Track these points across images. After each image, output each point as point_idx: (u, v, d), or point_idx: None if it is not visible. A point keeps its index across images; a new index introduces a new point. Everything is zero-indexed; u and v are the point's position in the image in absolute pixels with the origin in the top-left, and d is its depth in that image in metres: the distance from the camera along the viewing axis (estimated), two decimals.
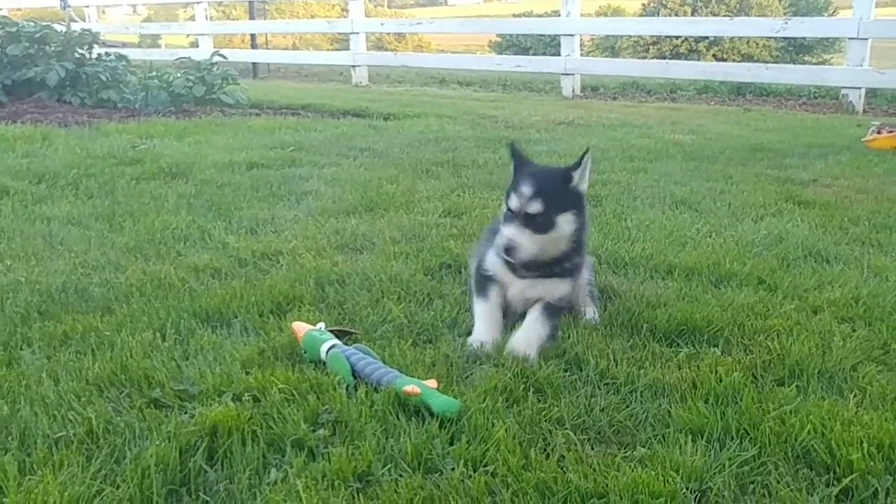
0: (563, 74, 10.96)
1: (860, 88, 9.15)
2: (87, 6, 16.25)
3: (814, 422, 1.78)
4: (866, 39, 8.90)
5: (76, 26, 9.62)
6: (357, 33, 12.52)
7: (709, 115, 9.15)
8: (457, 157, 5.40)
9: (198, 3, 14.57)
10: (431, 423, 1.76)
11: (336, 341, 2.09)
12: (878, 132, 6.72)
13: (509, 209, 2.30)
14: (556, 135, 7.11)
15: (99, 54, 8.64)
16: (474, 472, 1.60)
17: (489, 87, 12.32)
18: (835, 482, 1.61)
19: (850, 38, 9.14)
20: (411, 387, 1.85)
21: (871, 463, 1.63)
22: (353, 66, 12.61)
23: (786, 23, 10.23)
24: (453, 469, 1.61)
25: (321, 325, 2.19)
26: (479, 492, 1.53)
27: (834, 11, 20.12)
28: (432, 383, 1.90)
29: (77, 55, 8.38)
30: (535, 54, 16.42)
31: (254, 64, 14.13)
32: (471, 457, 1.65)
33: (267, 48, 15.77)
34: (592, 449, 1.74)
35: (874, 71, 9.15)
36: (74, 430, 1.75)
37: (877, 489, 1.58)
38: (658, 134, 7.31)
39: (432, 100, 10.01)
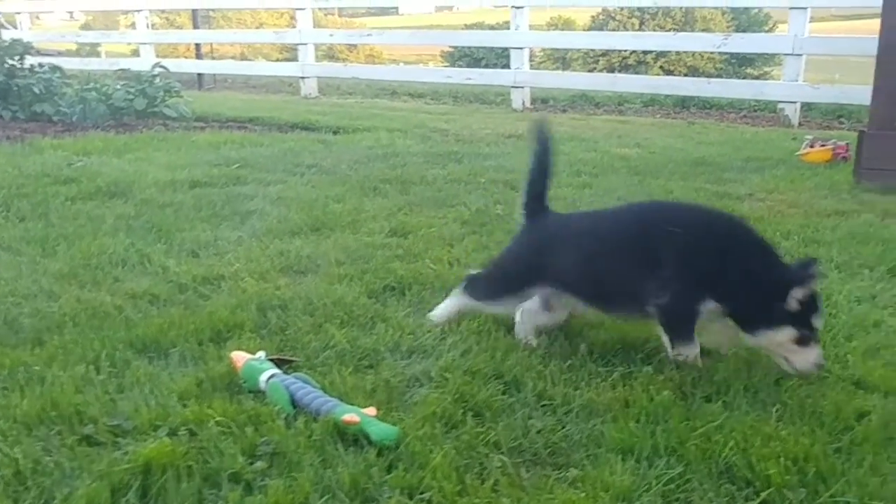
0: (512, 87, 11.05)
1: (796, 103, 9.40)
2: (19, 12, 15.83)
3: (736, 438, 1.86)
4: (801, 55, 9.13)
5: (7, 34, 9.39)
6: (306, 44, 12.48)
7: (654, 128, 9.31)
8: (405, 173, 5.43)
9: (138, 11, 14.38)
10: (370, 451, 1.79)
11: (276, 370, 2.11)
12: (812, 146, 6.91)
13: (814, 329, 2.25)
14: (506, 148, 7.17)
15: (32, 65, 8.35)
16: (410, 500, 1.64)
17: (440, 99, 12.35)
18: (753, 496, 1.68)
19: (785, 54, 9.37)
20: (350, 415, 1.88)
21: (787, 477, 1.71)
22: (302, 78, 12.55)
23: (726, 38, 10.47)
24: (390, 497, 1.64)
25: (261, 353, 2.21)
26: None
27: (773, 26, 20.56)
28: (371, 411, 1.93)
29: (7, 66, 8.07)
30: (487, 65, 16.53)
31: (199, 74, 13.98)
32: (407, 485, 1.68)
33: (213, 58, 15.62)
34: (527, 472, 1.79)
35: (809, 86, 9.41)
36: (1, 473, 1.72)
37: (791, 501, 1.65)
38: (605, 147, 7.42)
39: (383, 112, 10.02)
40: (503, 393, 2.13)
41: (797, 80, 9.29)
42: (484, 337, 2.47)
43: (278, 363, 2.18)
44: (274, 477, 1.72)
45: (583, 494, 1.65)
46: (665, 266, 2.29)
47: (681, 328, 2.31)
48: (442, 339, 2.47)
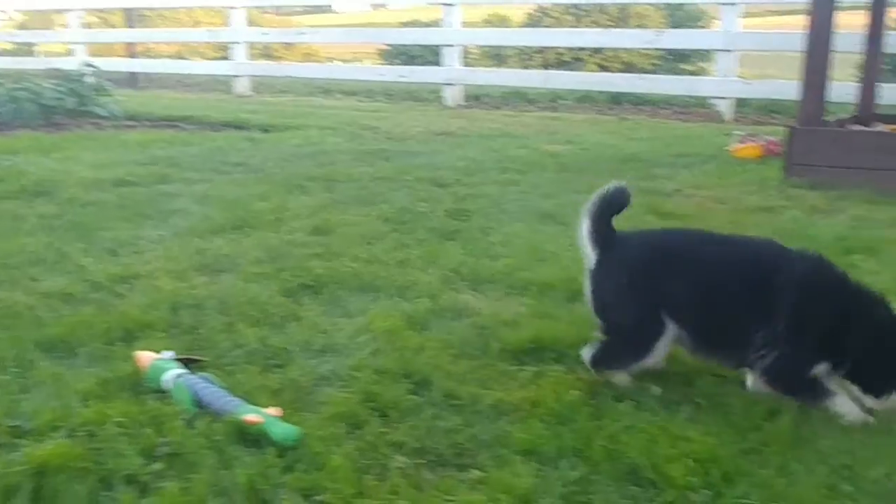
0: (445, 84, 11.07)
1: (728, 98, 9.55)
2: None
3: (643, 438, 1.86)
4: (732, 51, 9.29)
5: None
6: (238, 43, 12.35)
7: (587, 125, 9.39)
8: (332, 171, 5.39)
9: (70, 10, 14.09)
10: (270, 452, 1.77)
11: (181, 370, 2.07)
12: (742, 142, 7.03)
13: None
14: (436, 146, 7.17)
15: None
16: (306, 501, 1.62)
17: (374, 97, 12.31)
18: (657, 498, 1.68)
19: (717, 50, 9.53)
20: (252, 415, 1.85)
21: (691, 478, 1.71)
22: (235, 77, 12.43)
23: (658, 35, 10.63)
24: (285, 499, 1.62)
25: (168, 353, 2.17)
26: None
27: (708, 22, 20.89)
28: (275, 411, 1.90)
29: None
30: (422, 63, 16.51)
31: (132, 73, 13.74)
32: (305, 486, 1.66)
33: (147, 57, 15.38)
34: (430, 473, 1.77)
35: (741, 81, 9.57)
36: None
37: (694, 502, 1.65)
38: (535, 144, 7.46)
39: (315, 110, 9.95)
40: (411, 392, 2.12)
41: (729, 76, 9.45)
42: (395, 336, 2.46)
43: (185, 363, 2.14)
44: (170, 478, 1.69)
45: (482, 497, 1.65)
46: (776, 318, 2.04)
47: (792, 392, 2.06)
48: (354, 338, 2.45)
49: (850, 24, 7.52)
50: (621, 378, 2.18)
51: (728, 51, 9.30)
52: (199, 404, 1.96)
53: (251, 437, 1.83)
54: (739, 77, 9.65)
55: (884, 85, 7.73)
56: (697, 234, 2.48)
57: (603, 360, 2.21)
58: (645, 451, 1.81)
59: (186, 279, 2.99)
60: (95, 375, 2.16)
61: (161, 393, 2.05)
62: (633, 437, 1.87)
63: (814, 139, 5.22)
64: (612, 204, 2.29)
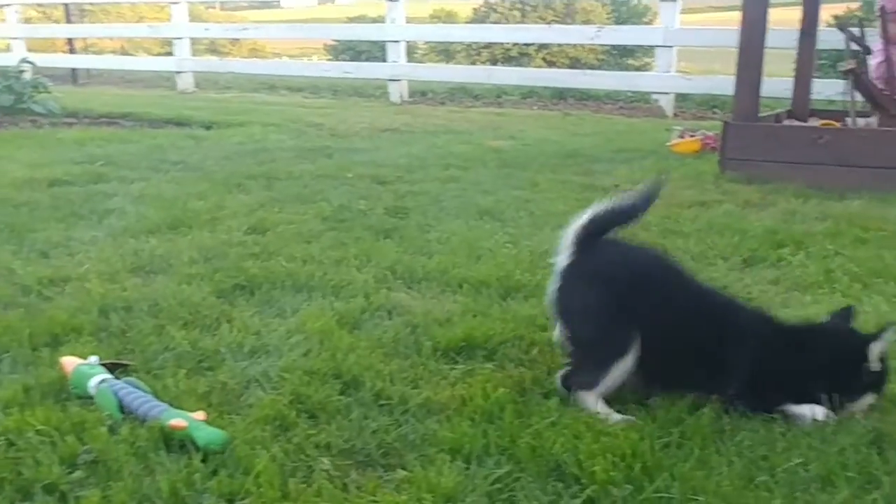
0: (390, 80, 11.04)
1: (669, 94, 9.67)
2: None
3: (567, 435, 1.88)
4: (672, 47, 9.42)
5: None
6: (181, 38, 12.18)
7: (531, 120, 9.44)
8: (272, 169, 5.36)
9: (8, 5, 13.77)
10: (195, 457, 1.76)
11: (106, 375, 2.05)
12: (682, 136, 7.13)
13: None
14: (379, 143, 7.17)
15: None
16: None
17: (319, 93, 12.23)
18: (580, 494, 1.70)
19: (657, 46, 9.65)
20: (177, 420, 1.84)
21: (613, 473, 1.73)
22: (178, 73, 12.26)
23: (599, 30, 10.75)
24: None
25: (93, 358, 2.14)
26: None
27: (652, 18, 21.14)
28: (200, 415, 1.89)
29: None
30: (368, 59, 16.44)
31: (73, 69, 13.48)
32: (228, 490, 1.65)
33: (88, 52, 15.09)
34: (357, 474, 1.78)
35: (681, 77, 9.71)
36: None
37: (615, 498, 1.68)
38: (478, 140, 7.49)
39: (259, 107, 9.86)
40: (341, 393, 2.11)
41: (670, 72, 9.57)
42: (327, 336, 2.45)
43: (110, 368, 2.12)
44: (91, 487, 1.66)
45: (407, 497, 1.66)
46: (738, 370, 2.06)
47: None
48: (286, 339, 2.44)
49: (785, 19, 7.67)
50: (593, 403, 2.05)
51: (668, 46, 9.41)
52: (124, 410, 1.94)
53: (176, 443, 1.82)
54: (679, 72, 9.79)
55: (819, 80, 7.92)
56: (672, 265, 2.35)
57: (572, 378, 2.12)
58: (569, 447, 1.83)
59: (118, 281, 2.95)
60: (18, 382, 2.12)
61: (86, 399, 2.03)
62: (559, 434, 1.88)
63: (748, 134, 5.31)
64: (621, 215, 2.18)
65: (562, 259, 2.17)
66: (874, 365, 2.03)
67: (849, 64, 5.44)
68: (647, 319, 2.06)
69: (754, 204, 4.47)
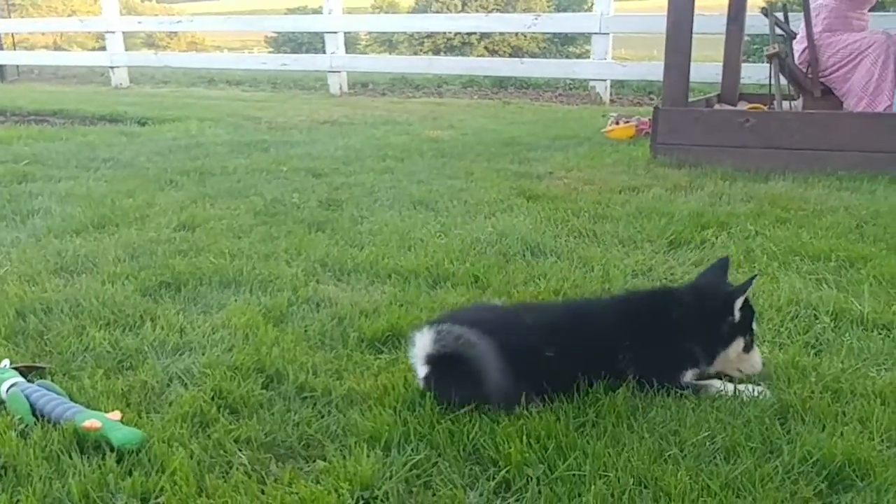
0: (329, 72, 11.00)
1: (606, 80, 9.78)
2: None
3: (486, 419, 1.91)
4: (608, 34, 9.51)
5: None
6: (113, 32, 11.96)
7: (470, 109, 9.48)
8: (206, 164, 5.31)
9: None
10: (110, 458, 1.74)
11: (18, 379, 2.01)
12: (616, 123, 7.22)
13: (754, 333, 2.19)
14: (317, 135, 7.14)
15: None
16: None
17: (259, 87, 12.14)
18: (495, 476, 1.72)
19: (593, 34, 9.74)
20: (90, 421, 1.82)
21: (528, 454, 1.76)
22: (111, 67, 12.05)
23: (535, 19, 10.80)
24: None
25: (5, 361, 2.11)
26: None
27: (591, 6, 21.32)
28: (115, 415, 1.87)
29: None
30: (309, 51, 16.34)
31: (1, 66, 13.15)
32: (143, 489, 1.64)
33: (19, 48, 14.73)
34: (277, 466, 1.78)
35: (617, 64, 9.82)
36: None
37: (529, 478, 1.71)
38: (417, 130, 7.50)
39: (196, 101, 9.75)
40: (264, 387, 2.11)
41: (606, 59, 9.67)
42: (252, 331, 2.44)
43: (24, 371, 2.08)
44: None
45: (322, 487, 1.66)
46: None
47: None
48: (210, 336, 2.43)
49: (712, 5, 7.80)
50: None
51: (604, 34, 9.51)
52: (37, 414, 1.91)
53: (91, 445, 1.80)
54: (615, 59, 9.90)
55: (750, 65, 8.07)
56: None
57: None
58: (487, 431, 1.86)
59: (38, 282, 2.89)
60: None
61: None
62: (477, 419, 1.91)
63: (677, 119, 5.39)
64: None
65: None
66: (736, 317, 2.13)
67: (772, 48, 5.56)
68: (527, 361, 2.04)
69: (683, 187, 4.54)
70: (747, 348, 2.16)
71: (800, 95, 6.24)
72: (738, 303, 2.13)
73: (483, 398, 1.95)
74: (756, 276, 2.21)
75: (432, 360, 2.02)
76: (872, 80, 5.93)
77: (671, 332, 2.14)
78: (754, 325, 2.19)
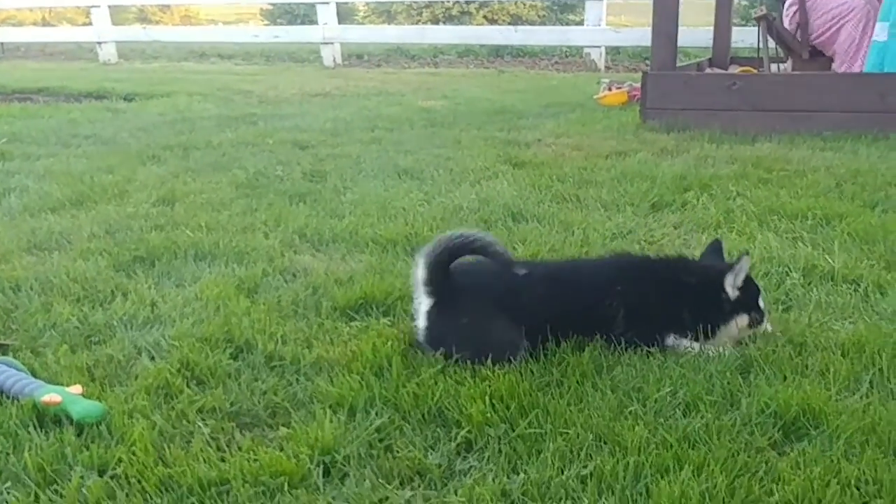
0: (322, 44, 10.92)
1: (600, 47, 9.69)
2: None
3: (451, 382, 1.90)
4: (601, 0, 9.41)
5: None
6: (98, 6, 11.84)
7: (465, 79, 9.41)
8: (191, 139, 5.27)
9: None
10: (69, 431, 1.73)
11: None
12: (609, 89, 7.17)
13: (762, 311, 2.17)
14: (308, 108, 7.10)
15: None
16: (101, 476, 1.59)
17: (251, 60, 12.05)
18: (457, 437, 1.71)
19: (587, 0, 9.64)
20: (50, 396, 1.80)
21: (490, 414, 1.75)
22: (99, 43, 11.94)
23: None
24: (82, 477, 1.59)
25: None
26: (97, 498, 1.52)
27: None
28: (76, 389, 1.86)
29: None
30: (303, 23, 16.21)
31: None
32: (101, 461, 1.63)
33: (5, 25, 14.61)
34: (242, 435, 1.77)
35: (611, 30, 9.73)
36: None
37: (491, 438, 1.70)
38: (410, 101, 7.46)
39: (186, 76, 9.68)
40: (233, 357, 2.10)
41: (600, 25, 9.58)
42: (224, 302, 2.43)
43: None
44: None
45: (283, 453, 1.65)
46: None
47: None
48: (181, 308, 2.41)
49: None
50: None
51: (598, 0, 9.42)
52: None
53: (51, 419, 1.78)
54: (609, 26, 9.81)
55: (743, 28, 7.99)
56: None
57: None
58: (452, 393, 1.85)
59: (10, 260, 2.86)
60: None
61: None
62: (442, 382, 1.90)
63: (666, 83, 5.35)
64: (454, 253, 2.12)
65: (423, 300, 2.13)
66: (731, 293, 2.13)
67: (759, 11, 5.50)
68: (527, 308, 2.10)
69: (669, 151, 4.51)
70: (754, 324, 2.15)
71: (789, 58, 6.18)
72: (729, 281, 2.12)
73: None
74: (747, 253, 2.18)
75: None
76: (853, 45, 5.94)
77: (667, 298, 2.15)
78: (761, 302, 2.17)
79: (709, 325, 2.11)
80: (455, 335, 2.05)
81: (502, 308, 2.09)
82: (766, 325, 2.18)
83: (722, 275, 2.14)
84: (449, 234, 2.11)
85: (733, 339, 2.15)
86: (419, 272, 2.12)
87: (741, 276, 2.13)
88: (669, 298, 2.15)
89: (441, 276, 2.10)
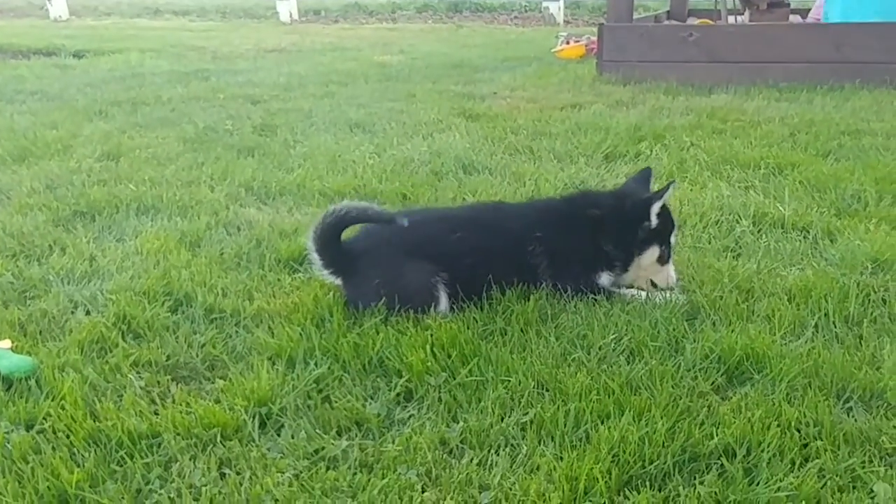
0: (279, 0, 10.71)
1: (559, 1, 9.62)
2: None
3: (393, 332, 1.86)
4: None
5: None
6: None
7: (423, 34, 9.30)
8: (140, 94, 5.15)
9: None
10: None
11: None
12: (567, 42, 7.12)
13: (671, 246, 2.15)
14: (262, 63, 6.98)
15: None
16: (28, 431, 1.54)
17: (207, 16, 11.81)
18: (398, 386, 1.68)
19: None
20: None
21: (430, 363, 1.73)
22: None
23: None
24: (8, 432, 1.54)
25: None
26: (22, 452, 1.48)
27: None
28: (5, 344, 1.80)
29: None
30: None
31: None
32: (28, 417, 1.58)
33: None
34: (178, 388, 1.72)
35: None
36: None
37: (430, 386, 1.67)
38: (366, 56, 7.36)
39: (139, 32, 9.46)
40: (172, 311, 2.05)
41: None
42: (165, 256, 2.37)
43: None
44: None
45: (218, 406, 1.61)
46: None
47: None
48: (121, 262, 2.35)
49: None
50: None
51: None
52: None
53: None
54: None
55: None
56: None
57: None
58: (392, 343, 1.82)
59: None
60: None
61: None
62: (384, 332, 1.86)
63: (623, 36, 5.30)
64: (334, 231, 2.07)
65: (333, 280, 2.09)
66: (653, 222, 2.10)
67: None
68: (445, 257, 2.05)
69: (625, 103, 4.48)
70: (662, 259, 2.12)
71: (746, 9, 6.16)
72: (655, 208, 2.09)
73: None
74: (673, 181, 2.17)
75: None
76: None
77: (588, 233, 2.11)
78: (673, 239, 2.15)
79: (629, 256, 2.10)
80: (372, 295, 2.00)
81: (408, 258, 2.04)
82: (671, 272, 2.14)
83: (648, 202, 2.10)
84: (321, 215, 2.05)
85: (644, 275, 2.13)
86: (314, 258, 2.06)
87: (663, 203, 2.10)
88: (594, 234, 2.11)
89: (335, 254, 2.05)
